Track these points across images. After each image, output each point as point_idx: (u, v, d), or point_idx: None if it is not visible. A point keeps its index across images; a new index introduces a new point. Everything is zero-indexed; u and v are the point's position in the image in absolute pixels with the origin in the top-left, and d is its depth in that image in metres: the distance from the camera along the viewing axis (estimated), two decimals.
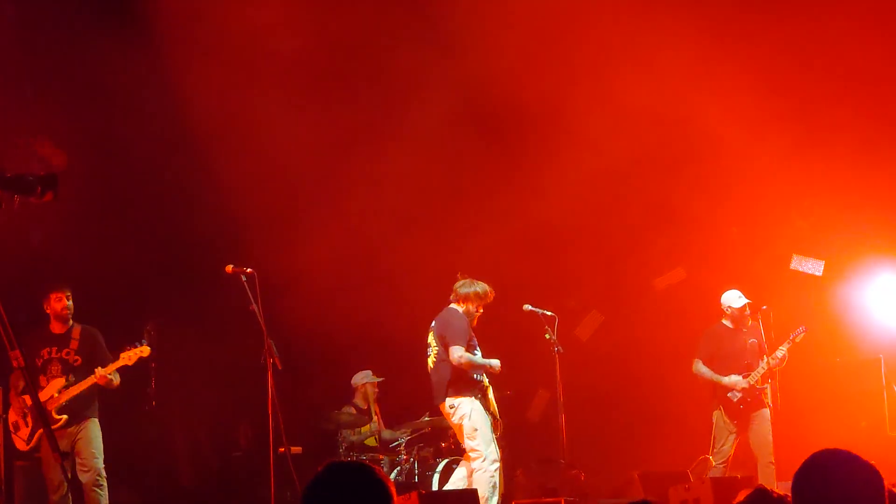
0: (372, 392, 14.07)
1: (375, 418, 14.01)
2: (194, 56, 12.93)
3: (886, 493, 3.98)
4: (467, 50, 13.72)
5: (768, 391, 12.49)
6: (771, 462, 12.17)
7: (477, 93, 14.17)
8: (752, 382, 12.40)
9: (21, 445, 10.66)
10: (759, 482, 11.25)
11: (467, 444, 11.08)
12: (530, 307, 11.83)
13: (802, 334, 12.50)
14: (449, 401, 11.12)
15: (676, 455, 13.47)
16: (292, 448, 10.99)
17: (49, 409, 10.46)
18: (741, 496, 5.08)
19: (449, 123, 14.09)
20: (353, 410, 13.80)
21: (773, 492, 4.64)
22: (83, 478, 10.68)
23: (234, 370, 12.54)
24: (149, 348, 10.87)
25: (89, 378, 10.65)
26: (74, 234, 12.68)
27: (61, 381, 10.67)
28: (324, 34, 13.30)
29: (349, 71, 14.09)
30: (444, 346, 11.12)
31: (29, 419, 10.57)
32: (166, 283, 13.16)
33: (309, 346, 13.76)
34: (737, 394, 12.39)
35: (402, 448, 13.30)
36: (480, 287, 11.34)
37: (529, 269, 12.19)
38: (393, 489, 3.93)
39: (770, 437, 12.33)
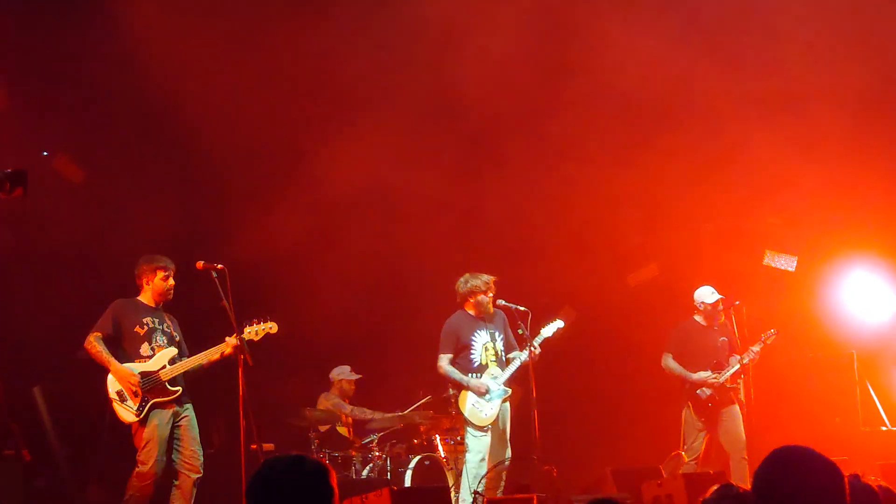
0: (349, 389, 14.07)
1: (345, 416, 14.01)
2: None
3: (847, 489, 3.97)
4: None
5: (741, 387, 12.51)
6: (744, 458, 12.19)
7: (450, 95, 14.15)
8: (722, 381, 12.42)
9: (128, 416, 10.05)
10: (732, 478, 11.27)
11: (464, 436, 11.70)
12: (504, 302, 11.82)
13: (773, 336, 12.51)
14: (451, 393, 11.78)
15: (649, 451, 13.46)
16: (264, 445, 10.96)
17: (162, 380, 10.12)
18: (710, 492, 5.07)
19: (422, 119, 14.11)
20: (334, 399, 13.80)
21: (738, 487, 4.63)
22: (181, 464, 10.29)
23: (206, 367, 12.46)
24: (276, 325, 10.51)
25: (216, 348, 10.29)
26: (43, 229, 12.59)
27: (172, 352, 10.31)
28: None
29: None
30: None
31: (138, 388, 10.01)
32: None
33: (281, 343, 13.69)
34: (706, 391, 12.40)
35: (374, 444, 13.27)
36: (476, 280, 11.78)
37: (503, 265, 12.16)
38: (334, 479, 3.90)
39: (742, 433, 12.34)
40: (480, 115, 14.34)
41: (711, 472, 11.64)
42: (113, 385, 10.09)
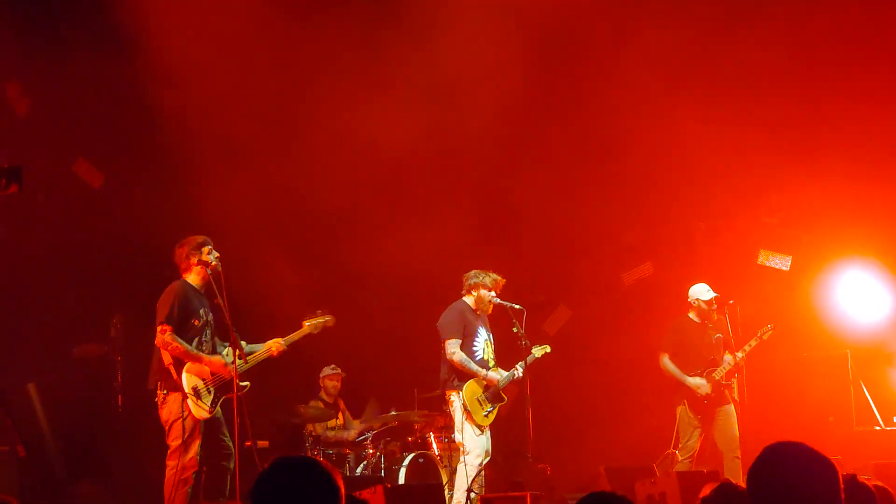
0: (332, 386, 14.06)
1: (341, 415, 14.00)
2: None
3: (842, 485, 3.95)
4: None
5: (735, 386, 12.50)
6: (737, 457, 12.17)
7: (445, 90, 14.16)
8: (717, 378, 12.41)
9: (201, 414, 9.67)
10: (725, 477, 11.28)
11: (455, 436, 11.55)
12: (499, 300, 11.80)
13: (770, 332, 12.47)
14: (448, 394, 11.64)
15: (643, 449, 13.46)
16: (259, 442, 10.94)
17: (229, 376, 9.74)
18: (706, 490, 5.09)
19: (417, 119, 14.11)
20: (320, 404, 13.76)
21: (737, 485, 4.64)
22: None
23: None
24: (333, 318, 10.47)
25: (266, 346, 10.16)
26: (42, 225, 12.59)
27: (240, 346, 9.90)
28: None
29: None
30: (441, 339, 11.67)
31: (212, 385, 9.75)
32: (133, 276, 13.05)
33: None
34: (704, 389, 12.39)
35: (368, 442, 13.27)
36: (485, 276, 11.80)
37: (498, 263, 12.15)
38: (341, 483, 3.89)
39: (736, 432, 12.34)
40: (475, 112, 14.34)
41: (705, 470, 11.65)
42: (190, 381, 9.70)
